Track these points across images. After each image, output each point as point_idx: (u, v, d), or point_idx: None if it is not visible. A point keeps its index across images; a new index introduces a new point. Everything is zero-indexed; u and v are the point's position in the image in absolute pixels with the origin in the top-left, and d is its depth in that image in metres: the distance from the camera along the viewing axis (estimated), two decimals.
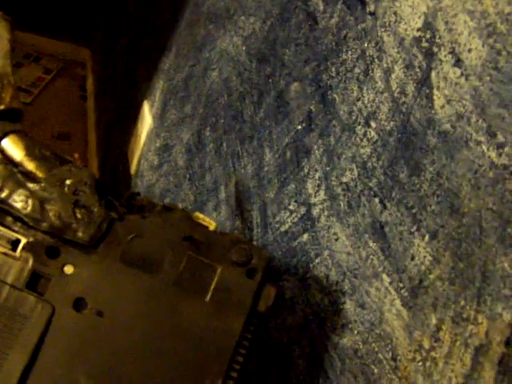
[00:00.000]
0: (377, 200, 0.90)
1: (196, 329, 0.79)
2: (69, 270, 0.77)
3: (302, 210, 1.06)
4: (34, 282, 0.77)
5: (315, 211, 1.03)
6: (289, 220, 1.09)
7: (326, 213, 1.00)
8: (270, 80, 1.20)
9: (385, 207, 0.88)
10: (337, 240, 0.97)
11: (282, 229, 1.11)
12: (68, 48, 2.71)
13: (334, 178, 1.00)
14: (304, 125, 1.09)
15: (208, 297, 0.81)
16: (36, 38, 2.57)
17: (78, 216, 0.76)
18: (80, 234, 0.77)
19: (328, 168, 1.02)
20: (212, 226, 0.84)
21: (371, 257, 0.90)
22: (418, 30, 0.89)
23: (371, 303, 0.88)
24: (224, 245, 0.84)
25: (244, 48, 1.28)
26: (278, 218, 1.12)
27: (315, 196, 1.04)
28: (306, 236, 1.05)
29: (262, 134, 1.19)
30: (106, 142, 2.19)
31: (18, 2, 2.52)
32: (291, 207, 1.09)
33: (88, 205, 0.77)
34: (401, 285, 0.83)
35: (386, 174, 0.90)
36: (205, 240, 0.83)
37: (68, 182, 0.77)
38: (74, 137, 2.27)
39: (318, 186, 1.03)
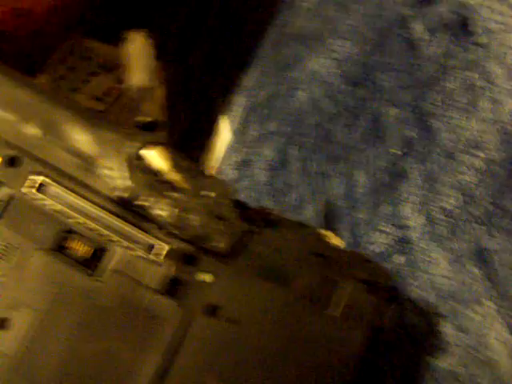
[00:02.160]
0: (483, 228, 0.93)
1: (322, 340, 0.81)
2: (206, 278, 0.80)
3: (398, 232, 1.09)
4: (173, 288, 0.79)
5: (413, 235, 1.06)
6: (382, 241, 1.12)
7: (424, 237, 1.03)
8: (364, 104, 1.24)
9: (492, 235, 0.91)
10: (436, 264, 0.99)
11: (375, 249, 1.14)
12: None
13: (434, 204, 1.03)
14: (400, 149, 1.12)
15: (334, 311, 0.83)
16: (110, 48, 2.63)
17: (219, 227, 0.79)
18: (220, 245, 0.79)
19: (428, 193, 1.04)
20: (340, 243, 0.87)
21: (474, 282, 0.92)
22: None
23: (473, 328, 0.90)
24: (351, 262, 0.86)
25: (337, 71, 1.31)
26: (370, 239, 1.15)
27: (413, 220, 1.06)
28: (402, 258, 1.07)
29: (355, 156, 1.22)
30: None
31: (91, 11, 2.59)
32: (385, 229, 1.12)
33: (228, 217, 0.80)
34: (503, 311, 0.85)
35: (493, 203, 0.92)
36: (333, 256, 0.85)
37: (210, 194, 0.81)
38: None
39: (414, 208, 1.06)
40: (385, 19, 1.18)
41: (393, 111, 1.09)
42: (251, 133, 1.65)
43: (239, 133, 1.72)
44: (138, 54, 0.95)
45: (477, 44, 0.91)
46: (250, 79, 1.76)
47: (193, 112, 2.24)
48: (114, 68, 2.79)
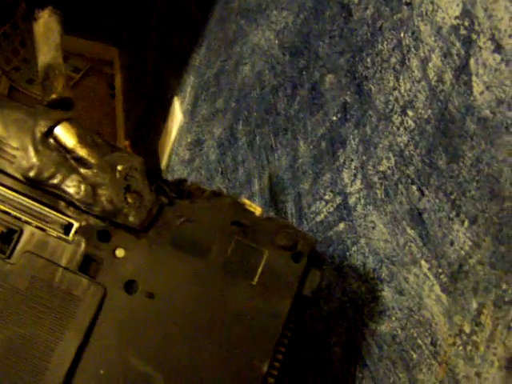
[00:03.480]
0: (414, 187, 0.91)
1: (243, 311, 0.81)
2: (120, 253, 0.79)
3: (338, 199, 1.08)
4: (86, 265, 0.79)
5: (351, 200, 1.04)
6: (324, 210, 1.11)
7: (362, 201, 1.01)
8: (304, 72, 1.22)
9: (423, 194, 0.89)
10: (374, 228, 0.98)
11: (318, 219, 1.12)
12: (96, 47, 2.74)
13: (370, 167, 1.01)
14: (339, 116, 1.10)
15: (255, 280, 0.83)
16: (64, 37, 2.59)
17: (130, 201, 0.78)
18: (131, 219, 0.79)
19: (364, 157, 1.03)
20: (258, 211, 0.85)
21: (409, 243, 0.90)
22: (456, 17, 0.90)
23: (410, 289, 0.89)
24: (270, 229, 0.85)
25: (277, 42, 1.29)
26: (313, 209, 1.14)
27: (351, 185, 1.05)
28: (342, 225, 1.06)
29: (296, 127, 1.20)
30: (135, 139, 2.21)
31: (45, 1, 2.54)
32: (327, 197, 1.10)
33: (139, 190, 0.79)
34: (440, 270, 0.84)
35: (423, 162, 0.90)
36: (252, 225, 0.85)
37: (119, 167, 0.79)
38: (103, 135, 2.28)
39: (355, 175, 1.05)
40: None
41: (329, 78, 1.07)
42: (202, 112, 1.64)
43: (190, 113, 1.71)
44: (43, 32, 0.93)
45: (405, 4, 0.89)
46: (198, 57, 1.74)
47: (148, 96, 2.21)
48: (69, 57, 2.75)
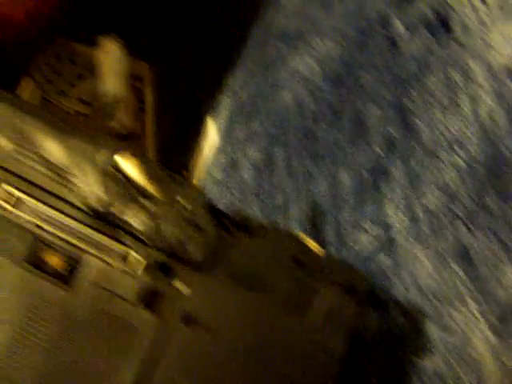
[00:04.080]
0: (461, 224, 0.92)
1: (300, 347, 0.82)
2: (180, 286, 0.80)
3: (380, 230, 1.09)
4: (147, 298, 0.79)
5: (394, 232, 1.05)
6: (365, 240, 1.12)
7: (405, 234, 1.03)
8: (346, 102, 1.23)
9: (470, 231, 0.90)
10: (418, 262, 0.99)
11: (358, 248, 1.13)
12: (136, 62, 2.76)
13: (415, 201, 1.02)
14: (383, 147, 1.12)
15: (312, 317, 0.84)
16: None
17: (192, 235, 0.79)
18: (192, 253, 0.79)
19: (409, 191, 1.04)
20: (316, 248, 0.87)
21: (455, 280, 0.91)
22: (509, 58, 0.91)
23: (455, 327, 0.90)
24: (329, 267, 0.87)
25: (318, 69, 1.31)
26: (353, 238, 1.15)
27: (394, 217, 1.06)
28: (383, 257, 1.07)
29: (336, 155, 1.21)
30: (164, 156, 2.23)
31: (79, 16, 2.59)
32: (368, 227, 1.11)
33: (201, 224, 0.80)
34: (488, 310, 0.85)
35: (472, 200, 0.92)
36: (310, 262, 0.86)
37: (182, 201, 0.80)
38: (132, 151, 2.31)
39: (398, 207, 1.06)
40: (365, 17, 1.17)
41: (375, 110, 1.08)
42: (237, 133, 1.65)
43: (225, 134, 1.72)
44: (109, 61, 0.95)
45: (456, 42, 0.90)
46: (234, 79, 1.75)
47: (180, 114, 2.23)
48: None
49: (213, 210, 0.84)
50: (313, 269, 0.86)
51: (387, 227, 1.07)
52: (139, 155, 0.84)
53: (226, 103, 1.80)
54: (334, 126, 1.25)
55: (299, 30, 1.47)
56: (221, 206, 1.50)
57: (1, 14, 1.41)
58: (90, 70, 2.73)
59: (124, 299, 0.78)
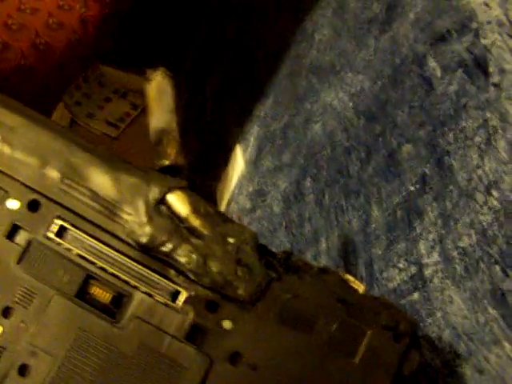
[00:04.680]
0: (498, 267, 0.94)
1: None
2: (227, 324, 0.82)
3: (413, 269, 1.10)
4: (193, 335, 0.81)
5: (428, 272, 1.07)
6: (398, 278, 1.14)
7: (439, 274, 1.04)
8: (380, 139, 1.25)
9: (507, 275, 0.92)
10: (451, 302, 1.01)
11: (390, 286, 1.15)
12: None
13: (449, 242, 1.04)
14: (418, 186, 1.14)
15: (357, 358, 0.85)
16: (124, 74, 2.68)
17: (240, 274, 0.81)
18: (240, 292, 0.81)
19: (443, 231, 1.06)
20: (361, 288, 0.89)
21: (491, 323, 0.93)
22: None
23: (491, 370, 0.91)
24: (374, 308, 0.88)
25: (351, 104, 1.33)
26: (385, 275, 1.17)
27: (428, 257, 1.08)
28: (416, 295, 1.09)
29: (369, 191, 1.23)
30: (189, 181, 2.25)
31: (106, 38, 2.64)
32: (401, 265, 1.13)
33: (249, 263, 0.82)
34: None
35: (508, 244, 0.93)
36: (355, 302, 0.87)
37: (231, 240, 0.82)
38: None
39: (432, 247, 1.07)
40: (399, 55, 1.20)
41: (407, 147, 1.10)
42: (265, 163, 1.68)
43: (252, 163, 1.75)
44: (156, 94, 0.98)
45: (493, 85, 0.93)
46: (263, 109, 1.79)
47: (207, 141, 2.27)
48: (128, 94, 2.82)
49: (261, 249, 0.86)
50: (356, 308, 0.87)
51: (421, 266, 1.09)
52: (191, 193, 0.86)
53: (254, 132, 1.83)
54: (367, 162, 1.27)
55: (332, 64, 1.50)
56: None
57: (39, 41, 1.45)
58: (117, 92, 2.78)
59: (171, 336, 0.80)
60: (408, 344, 0.89)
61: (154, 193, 0.84)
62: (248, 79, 2.00)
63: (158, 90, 0.99)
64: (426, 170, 1.13)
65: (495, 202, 0.97)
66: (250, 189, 1.75)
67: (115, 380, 0.78)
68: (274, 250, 0.90)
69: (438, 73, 1.16)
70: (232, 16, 2.28)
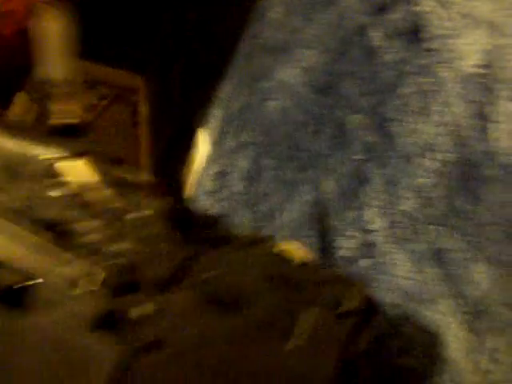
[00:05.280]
0: (434, 227, 0.97)
1: (284, 373, 0.75)
2: (147, 309, 0.73)
3: (361, 236, 1.13)
4: (110, 322, 0.72)
5: (373, 238, 1.10)
6: (346, 245, 1.16)
7: (384, 239, 1.07)
8: (329, 111, 1.28)
9: (444, 234, 0.95)
10: (396, 265, 1.03)
11: (340, 253, 1.18)
12: (121, 75, 2.82)
13: (391, 206, 1.07)
14: (362, 155, 1.16)
15: (297, 340, 0.76)
16: (91, 65, 2.68)
17: (157, 252, 0.74)
18: (160, 271, 0.74)
19: (386, 196, 1.09)
20: (305, 255, 0.84)
21: (429, 282, 0.96)
22: (476, 66, 0.96)
23: (433, 327, 0.94)
24: (314, 283, 0.80)
25: (303, 80, 1.36)
26: (336, 244, 1.19)
27: (374, 223, 1.10)
28: (364, 261, 1.11)
29: (320, 163, 1.26)
30: (159, 168, 2.28)
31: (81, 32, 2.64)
32: (349, 233, 1.16)
33: (167, 240, 0.76)
34: (460, 309, 0.89)
35: (444, 204, 0.96)
36: (292, 277, 0.79)
37: (147, 212, 0.77)
38: (127, 162, 2.37)
39: (377, 213, 1.10)
40: (345, 28, 1.23)
41: (355, 118, 1.13)
42: (227, 144, 1.70)
43: (216, 144, 1.77)
44: (50, 35, 0.86)
45: (428, 50, 0.95)
46: (224, 91, 1.80)
47: (174, 126, 2.28)
48: (95, 86, 2.83)
49: (183, 222, 0.82)
50: (297, 285, 0.79)
51: (368, 232, 1.12)
52: (93, 156, 0.79)
53: (216, 114, 1.85)
54: (316, 134, 1.30)
55: (284, 42, 1.52)
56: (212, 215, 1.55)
57: (5, 9, 1.44)
58: (85, 84, 2.78)
59: (82, 324, 0.71)
60: (356, 322, 0.81)
61: (48, 161, 0.76)
62: (209, 63, 2.02)
63: (52, 28, 0.86)
64: (370, 139, 1.15)
65: (430, 164, 1.00)
66: (214, 170, 1.77)
67: (19, 372, 0.67)
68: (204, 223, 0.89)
69: (381, 42, 1.19)
70: (192, 3, 2.29)
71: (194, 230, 0.79)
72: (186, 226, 0.80)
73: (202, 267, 0.77)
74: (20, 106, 2.22)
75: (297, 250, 0.87)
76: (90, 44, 2.40)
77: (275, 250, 0.85)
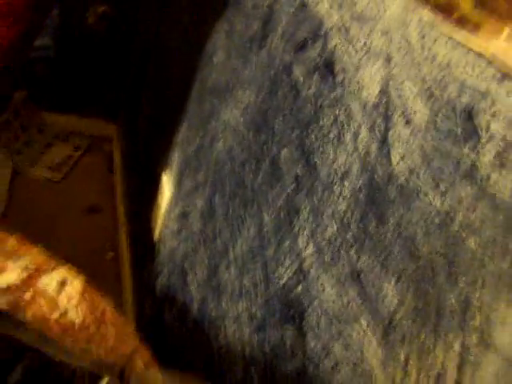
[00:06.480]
0: (353, 251, 1.03)
1: None
2: None
3: (296, 264, 1.20)
4: None
5: (306, 264, 1.17)
6: (285, 275, 1.23)
7: (314, 265, 1.14)
8: (265, 147, 1.36)
9: (359, 257, 1.01)
10: (323, 290, 1.10)
11: (281, 283, 1.24)
12: (96, 124, 2.93)
13: (319, 234, 1.14)
14: (293, 187, 1.24)
15: None
16: (64, 117, 2.80)
17: None
18: None
19: (314, 225, 1.16)
20: None
21: (351, 303, 1.02)
22: (376, 96, 1.03)
23: (353, 345, 1.01)
24: None
25: (242, 119, 1.44)
26: (276, 274, 1.26)
27: (305, 251, 1.17)
28: (299, 288, 1.18)
29: (260, 198, 1.34)
30: (132, 213, 2.36)
31: (44, 84, 2.77)
32: (287, 263, 1.23)
33: None
34: (375, 326, 0.96)
35: (358, 227, 1.03)
36: None
37: None
38: (104, 210, 2.46)
39: (307, 241, 1.17)
40: (273, 66, 1.31)
41: (284, 152, 1.21)
42: (186, 185, 1.78)
43: (176, 187, 1.85)
44: None
45: (338, 85, 1.03)
46: (180, 135, 1.89)
47: (140, 171, 2.37)
48: (70, 136, 2.93)
49: None
50: None
51: (301, 260, 1.19)
52: None
53: (176, 158, 1.94)
54: (257, 172, 1.38)
55: (226, 83, 1.61)
56: (177, 256, 1.63)
57: None
58: (58, 137, 2.89)
59: None
60: None
61: None
62: (167, 110, 2.12)
63: None
64: (298, 171, 1.22)
65: (347, 191, 1.07)
66: (176, 211, 1.86)
67: None
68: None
69: (301, 78, 1.27)
70: (151, 58, 2.41)
71: None
72: None
73: None
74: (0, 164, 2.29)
75: None
76: (64, 96, 2.51)
77: None
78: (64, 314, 0.86)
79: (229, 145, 1.55)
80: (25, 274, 0.82)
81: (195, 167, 1.79)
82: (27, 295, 0.83)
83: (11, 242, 0.89)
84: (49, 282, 0.87)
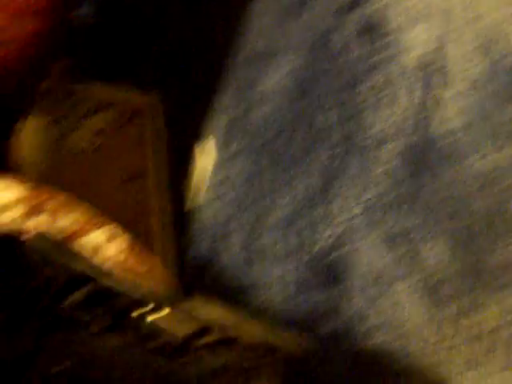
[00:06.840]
0: (403, 210, 1.04)
1: None
2: None
3: (335, 229, 1.20)
4: None
5: (349, 226, 1.17)
6: (319, 241, 1.24)
7: (360, 226, 1.14)
8: (303, 114, 1.36)
9: (409, 215, 1.02)
10: (365, 250, 1.10)
11: (315, 249, 1.25)
12: (135, 94, 2.93)
13: (364, 194, 1.14)
14: (330, 152, 1.24)
15: None
16: (104, 87, 2.79)
17: None
18: None
19: (360, 184, 1.16)
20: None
21: (401, 260, 1.03)
22: (418, 58, 1.03)
23: (399, 304, 1.01)
24: None
25: (283, 85, 1.44)
26: (311, 240, 1.27)
27: (346, 213, 1.17)
28: (343, 250, 1.18)
29: (295, 166, 1.34)
30: (171, 182, 2.37)
31: (85, 53, 2.76)
32: (322, 229, 1.23)
33: None
34: (424, 283, 0.97)
35: (410, 185, 1.03)
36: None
37: None
38: (143, 177, 2.48)
39: (350, 202, 1.17)
40: (314, 31, 1.31)
41: (323, 116, 1.21)
42: (231, 150, 1.79)
43: (222, 151, 1.86)
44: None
45: (379, 47, 1.03)
46: (225, 99, 1.89)
47: (176, 140, 2.37)
48: (110, 106, 2.93)
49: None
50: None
51: (338, 224, 1.19)
52: None
53: (220, 123, 1.94)
54: (292, 140, 1.38)
55: (269, 48, 1.61)
56: (221, 221, 1.65)
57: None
58: (99, 106, 2.89)
59: None
60: None
61: None
62: (209, 74, 2.11)
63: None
64: (337, 136, 1.22)
65: (386, 154, 1.07)
66: (220, 176, 1.86)
67: None
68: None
69: (343, 41, 1.26)
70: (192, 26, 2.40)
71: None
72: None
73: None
74: (31, 131, 2.34)
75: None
76: (104, 66, 2.53)
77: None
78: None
79: (268, 112, 1.55)
80: (74, 227, 0.83)
81: (239, 132, 1.79)
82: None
83: (62, 197, 0.90)
84: (98, 235, 0.87)
